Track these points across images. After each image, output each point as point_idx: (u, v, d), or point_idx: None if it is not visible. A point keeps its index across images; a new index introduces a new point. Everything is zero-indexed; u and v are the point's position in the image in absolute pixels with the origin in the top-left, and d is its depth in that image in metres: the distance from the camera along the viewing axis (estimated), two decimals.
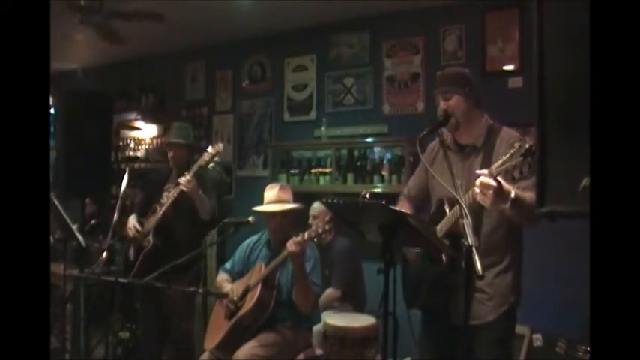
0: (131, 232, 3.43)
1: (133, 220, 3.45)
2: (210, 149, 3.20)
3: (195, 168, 3.21)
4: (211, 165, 3.32)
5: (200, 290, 3.28)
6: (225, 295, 3.10)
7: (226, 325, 3.03)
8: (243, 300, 3.02)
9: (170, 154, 3.54)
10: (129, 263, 3.42)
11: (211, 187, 3.44)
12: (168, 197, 3.32)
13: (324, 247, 3.61)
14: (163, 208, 3.31)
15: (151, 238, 3.33)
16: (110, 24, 3.99)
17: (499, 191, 1.82)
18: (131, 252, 3.44)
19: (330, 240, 3.82)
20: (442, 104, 2.20)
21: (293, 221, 3.17)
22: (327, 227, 2.84)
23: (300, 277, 2.90)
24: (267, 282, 2.99)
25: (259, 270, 3.04)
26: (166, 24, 4.07)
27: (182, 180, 3.19)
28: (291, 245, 2.80)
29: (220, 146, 3.23)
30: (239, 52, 5.32)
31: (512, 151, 1.79)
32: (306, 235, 2.82)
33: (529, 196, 1.86)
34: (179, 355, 3.41)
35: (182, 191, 3.21)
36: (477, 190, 1.86)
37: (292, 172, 4.66)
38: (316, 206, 3.79)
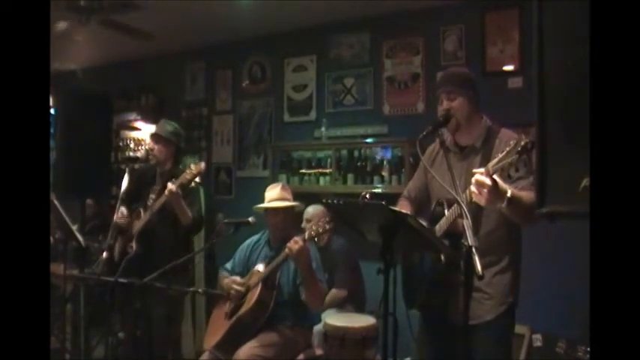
0: (119, 220, 3.31)
1: (122, 209, 3.33)
2: (193, 167, 3.08)
3: (177, 183, 3.08)
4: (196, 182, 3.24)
5: (200, 290, 3.27)
6: (225, 296, 3.11)
7: (226, 325, 3.04)
8: (243, 299, 3.03)
9: (151, 147, 3.46)
10: (110, 263, 3.31)
11: (193, 201, 3.34)
12: (154, 200, 3.26)
13: (321, 249, 3.61)
14: (148, 215, 3.25)
15: (134, 244, 3.27)
16: (127, 23, 3.96)
17: (495, 189, 1.82)
18: (116, 253, 3.36)
19: (326, 241, 3.82)
20: (445, 104, 2.20)
21: (293, 220, 3.18)
22: (327, 227, 2.84)
23: (309, 276, 2.90)
24: (268, 282, 2.99)
25: (260, 272, 3.04)
26: (151, 37, 4.07)
27: (169, 186, 3.09)
28: (293, 245, 2.80)
29: (202, 166, 3.11)
30: (239, 52, 5.32)
31: (508, 149, 1.78)
32: (306, 234, 2.82)
33: (526, 195, 1.87)
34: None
35: (168, 199, 3.12)
36: (473, 188, 1.86)
37: (297, 171, 4.62)
38: (310, 210, 3.78)
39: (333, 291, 3.67)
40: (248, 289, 3.03)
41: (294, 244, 2.80)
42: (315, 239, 2.89)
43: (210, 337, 3.13)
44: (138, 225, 3.32)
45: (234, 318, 3.01)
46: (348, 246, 3.81)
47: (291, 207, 3.15)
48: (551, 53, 1.28)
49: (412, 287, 2.31)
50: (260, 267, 3.08)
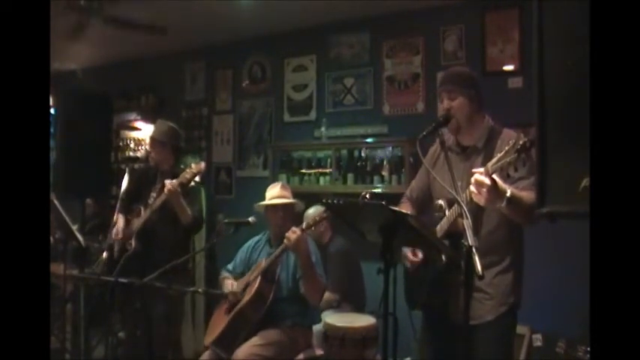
0: (114, 237, 3.34)
1: (121, 222, 3.36)
2: (193, 166, 3.07)
3: (177, 181, 3.08)
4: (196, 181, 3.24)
5: (200, 290, 3.27)
6: (225, 296, 3.11)
7: (226, 319, 3.06)
8: (243, 294, 3.05)
9: (149, 150, 3.49)
10: (110, 263, 3.32)
11: (193, 200, 3.35)
12: (155, 199, 3.26)
13: (321, 248, 3.61)
14: (148, 213, 3.25)
15: (133, 241, 3.27)
16: (135, 20, 3.94)
17: (494, 189, 1.82)
18: (115, 252, 3.36)
19: (327, 241, 3.82)
20: (446, 103, 2.20)
21: (293, 218, 3.20)
22: (324, 215, 2.89)
23: (308, 269, 2.94)
24: (267, 275, 3.03)
25: (260, 265, 3.07)
26: (166, 30, 4.06)
27: (167, 184, 3.10)
28: (291, 234, 2.85)
29: (202, 165, 3.10)
30: (239, 52, 5.32)
31: (507, 148, 1.78)
32: (304, 225, 2.88)
33: (526, 195, 1.86)
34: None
35: (167, 197, 3.12)
36: (473, 188, 1.86)
37: (298, 171, 4.61)
38: (311, 212, 3.76)
39: (326, 294, 3.66)
40: (248, 284, 3.04)
41: (292, 233, 2.86)
42: (313, 228, 2.95)
43: (210, 333, 3.14)
44: (138, 222, 3.32)
45: (233, 311, 3.02)
46: (347, 248, 3.81)
47: (291, 204, 3.20)
48: (551, 53, 1.28)
49: (414, 288, 2.31)
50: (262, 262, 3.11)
